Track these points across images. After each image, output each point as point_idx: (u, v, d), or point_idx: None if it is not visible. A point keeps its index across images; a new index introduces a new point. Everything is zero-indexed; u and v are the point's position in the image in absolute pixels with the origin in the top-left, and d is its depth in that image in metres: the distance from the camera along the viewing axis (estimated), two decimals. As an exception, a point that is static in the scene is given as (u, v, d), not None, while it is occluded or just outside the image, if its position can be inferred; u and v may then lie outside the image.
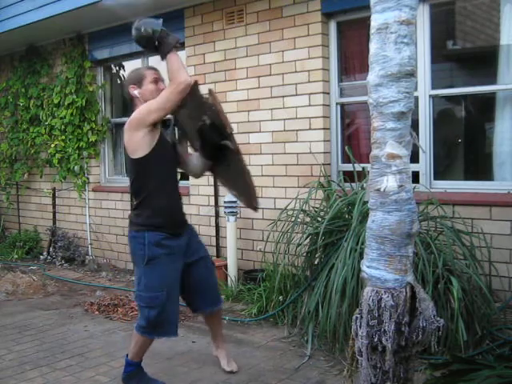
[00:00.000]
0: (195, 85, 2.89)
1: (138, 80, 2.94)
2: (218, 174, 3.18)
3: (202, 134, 2.88)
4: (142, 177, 2.87)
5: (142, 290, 2.87)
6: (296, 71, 4.63)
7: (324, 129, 4.55)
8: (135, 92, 2.92)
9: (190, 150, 3.13)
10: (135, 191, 2.95)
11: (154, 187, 2.86)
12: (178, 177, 3.16)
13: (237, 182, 3.04)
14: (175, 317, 2.95)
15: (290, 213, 3.95)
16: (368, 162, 2.11)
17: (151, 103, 2.78)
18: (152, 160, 2.82)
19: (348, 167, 4.44)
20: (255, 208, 2.98)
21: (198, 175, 3.19)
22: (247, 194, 3.01)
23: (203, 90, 2.97)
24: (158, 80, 2.94)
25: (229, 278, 4.78)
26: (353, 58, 4.71)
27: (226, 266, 4.85)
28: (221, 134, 2.87)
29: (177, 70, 2.73)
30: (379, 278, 2.03)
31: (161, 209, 2.87)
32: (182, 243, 2.95)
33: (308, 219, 3.94)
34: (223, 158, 2.96)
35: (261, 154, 4.89)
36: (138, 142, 2.80)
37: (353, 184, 4.02)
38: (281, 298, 3.97)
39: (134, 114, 2.82)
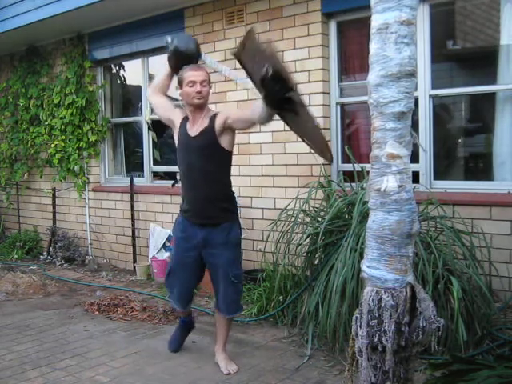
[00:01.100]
0: (251, 34, 2.84)
1: (179, 80, 3.13)
2: (286, 121, 2.89)
3: (265, 85, 2.64)
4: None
5: None
6: (296, 71, 4.62)
7: (324, 129, 4.54)
8: (178, 92, 3.16)
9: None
10: None
11: (181, 178, 3.26)
12: (208, 169, 3.09)
13: (307, 131, 2.88)
14: (178, 294, 3.30)
15: (289, 213, 3.95)
16: (368, 162, 2.11)
17: None
18: (177, 155, 3.20)
19: (348, 167, 4.44)
20: (330, 158, 2.92)
21: (266, 123, 2.91)
22: (319, 143, 2.88)
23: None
24: (194, 83, 3.03)
25: (229, 278, 4.78)
26: (353, 58, 4.71)
27: (226, 266, 4.85)
28: (284, 87, 2.61)
29: None
30: (379, 277, 2.03)
31: (183, 197, 3.25)
32: (198, 235, 3.14)
33: (308, 219, 3.94)
34: (290, 106, 2.72)
35: (261, 154, 4.89)
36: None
37: (353, 184, 4.02)
38: (281, 298, 3.97)
39: None
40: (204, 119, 3.11)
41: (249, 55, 2.59)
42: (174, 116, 3.24)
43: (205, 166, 3.06)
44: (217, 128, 3.03)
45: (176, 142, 3.22)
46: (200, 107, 3.09)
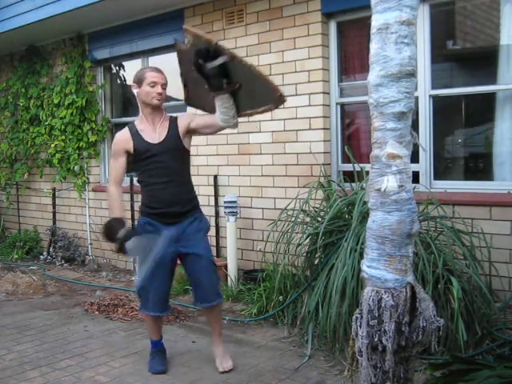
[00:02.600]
0: (178, 50, 3.06)
1: (139, 79, 3.13)
2: (242, 106, 3.05)
3: (200, 71, 2.86)
4: (137, 170, 3.22)
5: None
6: (296, 71, 4.63)
7: (324, 129, 4.55)
8: (134, 91, 3.15)
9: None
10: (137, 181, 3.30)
11: (143, 180, 3.19)
12: (178, 170, 3.19)
13: (257, 95, 2.96)
14: (156, 297, 3.18)
15: (290, 213, 3.95)
16: (368, 162, 2.11)
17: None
18: (137, 158, 3.13)
19: (348, 167, 4.44)
20: (283, 97, 2.98)
21: (231, 123, 3.06)
22: (271, 95, 2.96)
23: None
24: (156, 84, 3.08)
25: (229, 278, 4.78)
26: (353, 58, 4.71)
27: (225, 266, 4.85)
28: (211, 57, 2.80)
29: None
30: (379, 277, 2.03)
31: (149, 199, 3.17)
32: (172, 232, 3.12)
33: (308, 219, 3.94)
34: (231, 78, 2.89)
35: (261, 154, 4.89)
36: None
37: (353, 184, 4.02)
38: (281, 298, 3.97)
39: (115, 139, 3.21)
40: (163, 123, 3.17)
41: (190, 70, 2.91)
42: (126, 147, 3.14)
43: (174, 167, 3.16)
44: (180, 133, 3.16)
45: (132, 158, 3.13)
46: (158, 108, 3.15)
